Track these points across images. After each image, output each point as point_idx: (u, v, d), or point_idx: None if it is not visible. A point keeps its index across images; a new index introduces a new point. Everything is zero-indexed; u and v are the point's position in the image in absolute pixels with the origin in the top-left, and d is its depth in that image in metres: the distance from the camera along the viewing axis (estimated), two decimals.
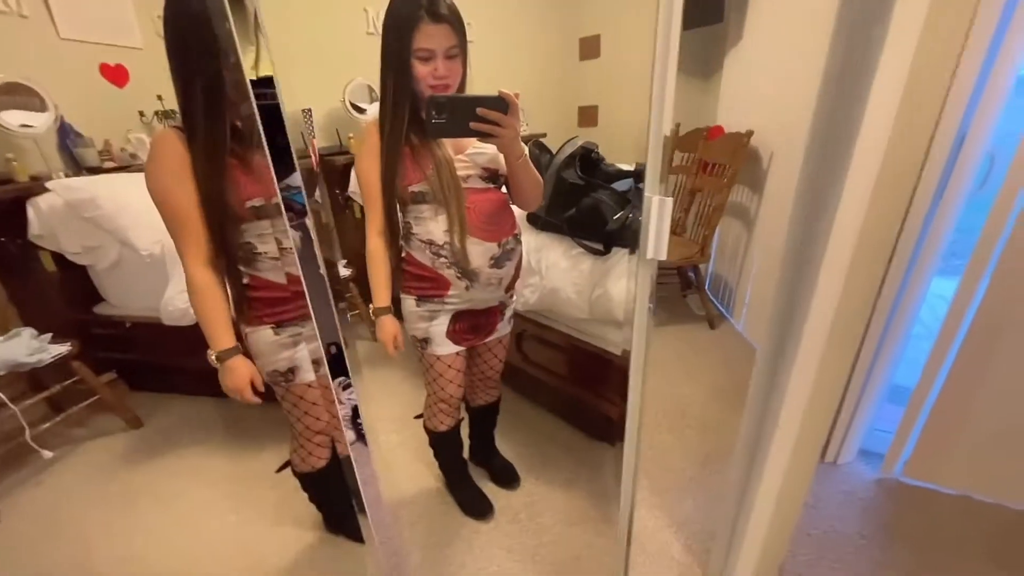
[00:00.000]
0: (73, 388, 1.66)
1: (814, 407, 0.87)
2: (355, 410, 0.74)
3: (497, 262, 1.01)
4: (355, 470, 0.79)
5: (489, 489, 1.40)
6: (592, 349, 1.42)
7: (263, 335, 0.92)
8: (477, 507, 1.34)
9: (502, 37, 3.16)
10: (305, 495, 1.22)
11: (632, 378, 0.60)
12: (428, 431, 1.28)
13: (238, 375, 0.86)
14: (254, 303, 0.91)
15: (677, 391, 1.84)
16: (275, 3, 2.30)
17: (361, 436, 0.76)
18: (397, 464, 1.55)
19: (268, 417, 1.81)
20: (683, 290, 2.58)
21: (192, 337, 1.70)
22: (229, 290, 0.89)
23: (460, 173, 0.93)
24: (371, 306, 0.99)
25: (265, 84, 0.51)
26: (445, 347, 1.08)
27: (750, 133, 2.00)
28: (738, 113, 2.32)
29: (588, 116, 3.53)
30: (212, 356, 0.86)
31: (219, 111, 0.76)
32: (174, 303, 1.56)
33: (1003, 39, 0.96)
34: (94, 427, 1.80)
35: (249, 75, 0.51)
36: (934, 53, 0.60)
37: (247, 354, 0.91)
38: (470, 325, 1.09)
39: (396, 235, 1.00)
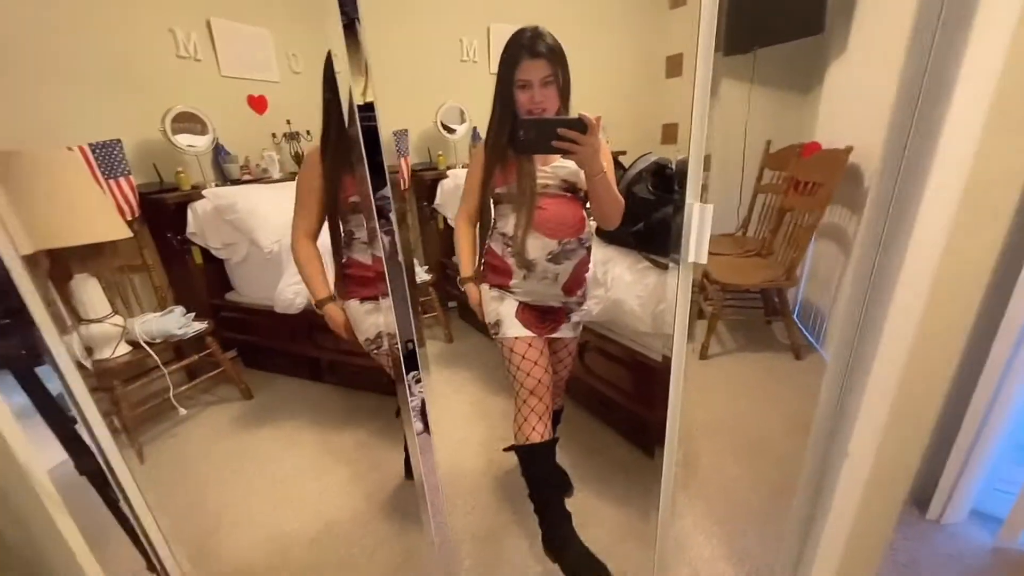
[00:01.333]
0: (205, 360, 2.01)
1: (894, 437, 0.79)
2: (423, 403, 0.83)
3: (554, 257, 1.10)
4: (420, 458, 0.88)
5: None
6: (652, 363, 1.40)
7: (352, 305, 1.17)
8: (588, 569, 1.06)
9: (589, 57, 3.25)
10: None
11: (672, 381, 0.61)
12: (519, 447, 1.12)
13: (334, 317, 1.17)
14: (348, 280, 1.17)
15: (749, 421, 1.73)
16: (380, 35, 2.62)
17: (427, 427, 0.85)
18: (457, 458, 1.64)
19: (349, 402, 2.02)
20: (767, 316, 2.41)
21: (296, 325, 2.01)
22: (334, 270, 1.21)
23: (541, 182, 1.08)
24: (459, 277, 1.20)
25: (368, 109, 0.63)
26: (516, 328, 1.13)
27: (849, 149, 1.85)
28: (838, 128, 2.15)
29: (671, 134, 3.47)
30: (314, 303, 1.17)
31: (342, 134, 1.04)
32: (284, 294, 1.82)
33: None
34: (217, 394, 2.14)
35: (359, 100, 0.63)
36: None
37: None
38: (536, 314, 1.17)
39: (485, 227, 1.17)
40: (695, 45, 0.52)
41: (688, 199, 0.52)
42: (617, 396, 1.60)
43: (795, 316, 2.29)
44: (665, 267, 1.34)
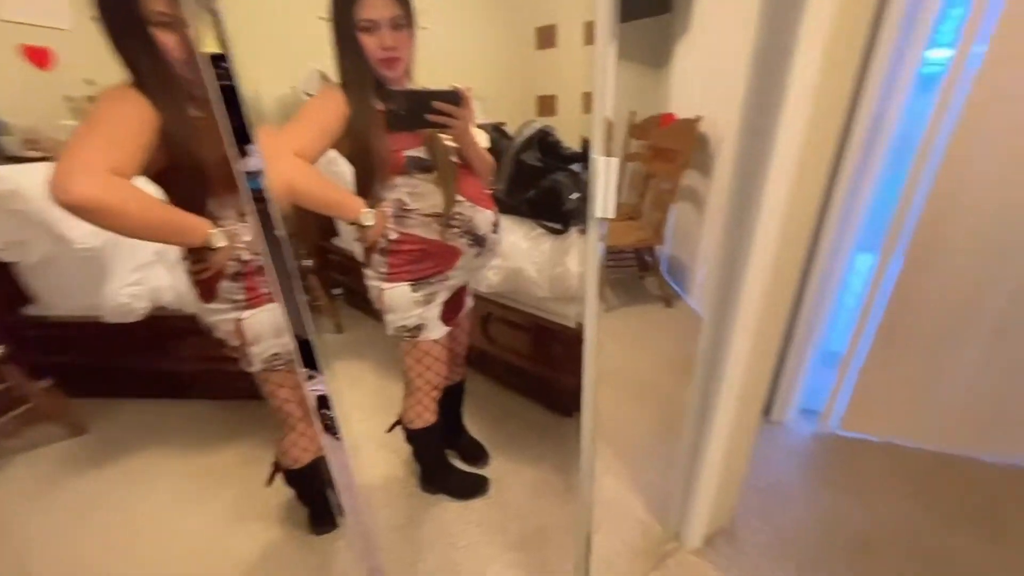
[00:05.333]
0: (3, 395, 1.55)
1: (754, 364, 0.95)
2: (322, 400, 0.75)
3: (495, 228, 1.07)
4: (328, 459, 0.79)
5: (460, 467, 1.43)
6: (554, 326, 1.47)
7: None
8: (471, 486, 1.34)
9: (458, 26, 3.13)
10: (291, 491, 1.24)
11: (587, 342, 0.63)
12: (415, 431, 1.20)
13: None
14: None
15: (637, 367, 1.92)
16: None
17: (330, 426, 0.77)
18: (363, 452, 1.55)
19: (226, 416, 1.75)
20: (641, 272, 2.68)
21: (141, 335, 1.64)
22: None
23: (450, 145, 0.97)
24: (360, 218, 0.89)
25: (218, 61, 0.50)
26: (438, 329, 1.06)
27: (698, 118, 2.10)
28: (688, 100, 2.43)
29: (547, 106, 3.57)
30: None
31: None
32: (117, 298, 1.47)
33: (909, 37, 1.07)
34: (30, 437, 1.67)
35: (207, 48, 0.50)
36: (842, 40, 0.67)
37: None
38: (451, 301, 1.11)
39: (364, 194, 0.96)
40: (593, 14, 0.52)
41: (593, 154, 0.53)
42: (522, 362, 1.65)
43: (664, 271, 2.59)
44: (558, 232, 1.39)
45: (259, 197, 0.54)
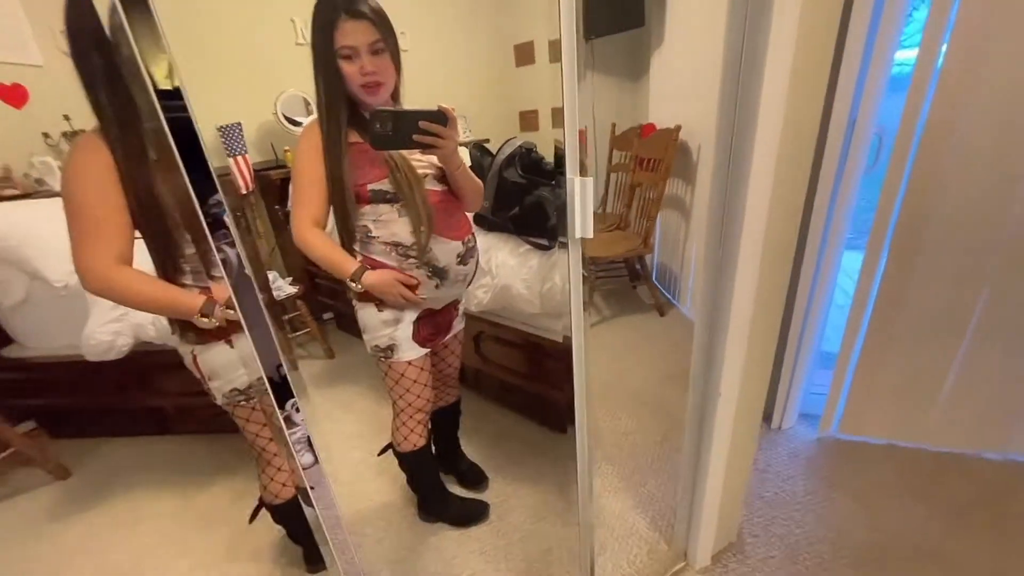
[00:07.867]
0: None
1: (750, 373, 0.93)
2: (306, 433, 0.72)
3: (463, 259, 1.03)
4: (310, 495, 0.76)
5: (459, 492, 1.39)
6: (546, 343, 1.45)
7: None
8: (471, 513, 1.31)
9: (438, 46, 3.17)
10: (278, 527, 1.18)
11: (575, 358, 0.62)
12: (403, 453, 1.18)
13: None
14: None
15: (632, 378, 1.90)
16: (198, 16, 2.19)
17: (315, 459, 0.74)
18: (360, 481, 1.50)
19: (212, 451, 1.70)
20: (632, 282, 2.68)
21: (121, 373, 1.60)
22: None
23: (421, 171, 0.95)
24: (349, 280, 0.95)
25: (174, 96, 0.49)
26: (412, 351, 1.05)
27: (678, 128, 2.12)
28: (667, 110, 2.46)
29: (529, 121, 3.60)
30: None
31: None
32: (97, 336, 1.43)
33: (875, 39, 1.09)
34: (11, 484, 1.61)
35: (163, 85, 0.49)
36: (812, 46, 0.67)
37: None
38: (432, 325, 1.09)
39: (351, 237, 0.98)
40: (558, 31, 0.51)
41: (568, 174, 0.52)
42: (515, 379, 1.62)
43: (654, 279, 2.59)
44: (545, 248, 1.38)
45: (224, 228, 0.53)
